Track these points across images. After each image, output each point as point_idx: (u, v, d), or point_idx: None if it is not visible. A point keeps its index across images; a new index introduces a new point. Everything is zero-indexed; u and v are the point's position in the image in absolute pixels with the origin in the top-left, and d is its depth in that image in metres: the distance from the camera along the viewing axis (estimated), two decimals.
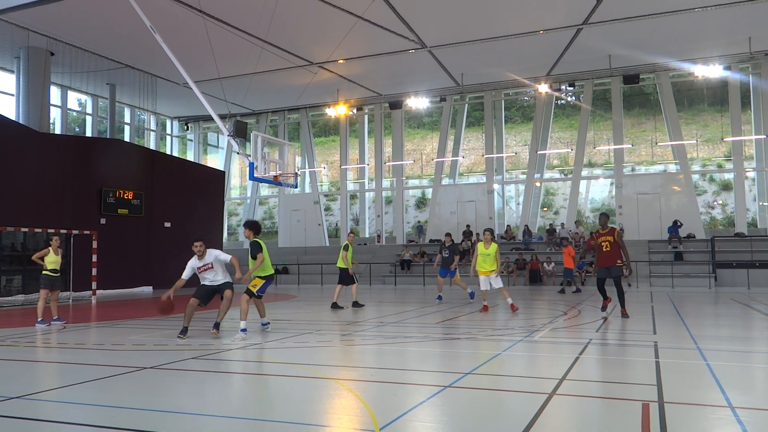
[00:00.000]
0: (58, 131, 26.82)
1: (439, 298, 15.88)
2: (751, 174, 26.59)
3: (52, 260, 11.16)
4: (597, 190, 30.14)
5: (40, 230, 17.55)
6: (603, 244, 10.97)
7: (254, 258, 9.10)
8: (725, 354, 7.29)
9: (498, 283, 12.68)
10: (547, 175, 30.13)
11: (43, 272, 11.16)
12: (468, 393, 5.27)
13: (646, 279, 22.71)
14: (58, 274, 11.36)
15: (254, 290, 9.19)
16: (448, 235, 16.24)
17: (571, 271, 20.29)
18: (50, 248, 11.25)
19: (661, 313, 12.31)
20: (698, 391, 5.28)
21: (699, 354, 7.09)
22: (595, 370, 6.43)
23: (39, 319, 10.85)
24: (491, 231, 13.38)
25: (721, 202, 28.34)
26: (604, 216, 11.37)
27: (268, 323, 9.83)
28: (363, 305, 14.17)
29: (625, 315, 10.98)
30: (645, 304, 14.71)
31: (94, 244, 18.71)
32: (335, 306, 13.71)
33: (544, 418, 4.35)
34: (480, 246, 12.86)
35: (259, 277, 9.22)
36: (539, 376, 6.10)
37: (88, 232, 18.76)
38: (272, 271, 9.50)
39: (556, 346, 8.10)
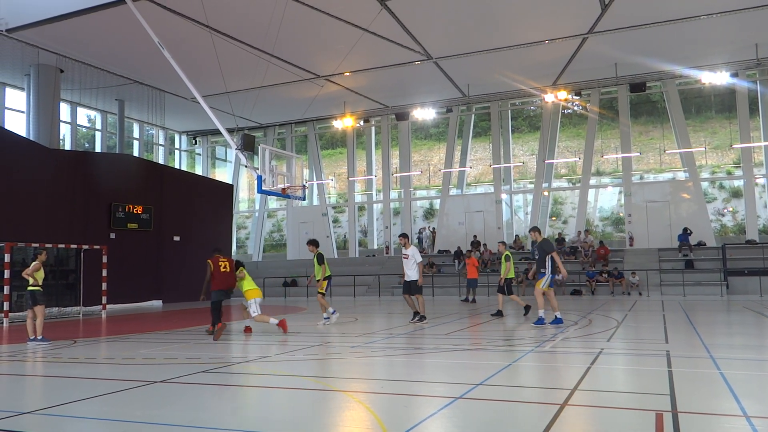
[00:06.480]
0: (68, 147, 27.07)
1: None
2: (761, 180, 26.41)
3: (41, 275, 10.70)
4: (606, 199, 30.03)
5: (50, 245, 17.66)
6: (221, 264, 10.99)
7: (321, 264, 12.12)
8: (739, 362, 7.21)
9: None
10: (555, 184, 30.06)
11: (35, 288, 10.58)
12: (479, 404, 5.23)
13: (657, 287, 22.54)
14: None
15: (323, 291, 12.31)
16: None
17: (475, 281, 20.13)
18: (39, 262, 10.67)
19: (673, 321, 12.20)
20: (712, 401, 5.22)
21: (712, 363, 7.01)
22: (608, 380, 6.37)
23: (39, 337, 10.54)
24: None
25: (731, 209, 28.14)
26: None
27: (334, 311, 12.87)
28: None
29: (214, 336, 10.39)
30: (656, 312, 14.58)
31: (104, 259, 18.84)
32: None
33: (557, 429, 4.31)
34: None
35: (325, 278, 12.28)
36: (551, 387, 6.05)
37: (98, 247, 18.89)
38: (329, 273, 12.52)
39: (567, 356, 8.03)
